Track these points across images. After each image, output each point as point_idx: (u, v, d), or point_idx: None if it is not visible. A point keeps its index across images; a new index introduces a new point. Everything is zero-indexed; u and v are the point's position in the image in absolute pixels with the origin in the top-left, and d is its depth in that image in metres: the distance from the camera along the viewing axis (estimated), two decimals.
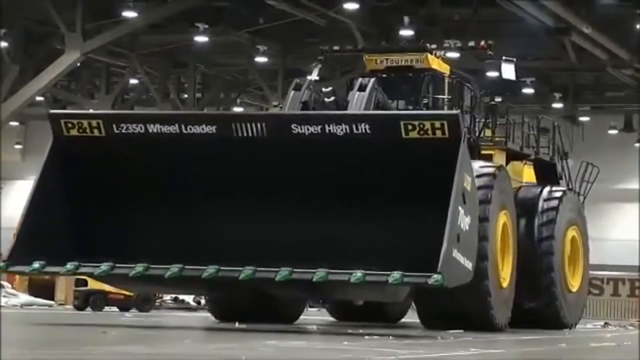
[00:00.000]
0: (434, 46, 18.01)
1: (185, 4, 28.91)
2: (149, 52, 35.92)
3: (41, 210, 13.10)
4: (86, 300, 26.87)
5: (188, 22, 31.49)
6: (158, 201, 13.61)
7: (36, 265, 12.64)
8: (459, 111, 13.04)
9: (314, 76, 16.77)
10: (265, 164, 13.12)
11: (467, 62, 19.08)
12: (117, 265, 12.66)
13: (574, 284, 18.46)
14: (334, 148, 12.69)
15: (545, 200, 17.77)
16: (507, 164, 17.73)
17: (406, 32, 28.92)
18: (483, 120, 17.76)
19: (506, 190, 16.07)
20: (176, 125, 12.72)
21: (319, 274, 11.94)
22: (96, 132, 12.88)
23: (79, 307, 26.76)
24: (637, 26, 30.19)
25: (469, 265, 12.42)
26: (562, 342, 14.54)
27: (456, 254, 11.90)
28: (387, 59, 17.33)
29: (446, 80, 17.24)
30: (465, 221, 12.18)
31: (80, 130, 12.94)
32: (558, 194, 18.12)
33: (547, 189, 18.23)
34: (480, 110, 17.92)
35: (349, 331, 14.33)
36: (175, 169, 13.49)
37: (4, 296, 27.66)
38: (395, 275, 11.62)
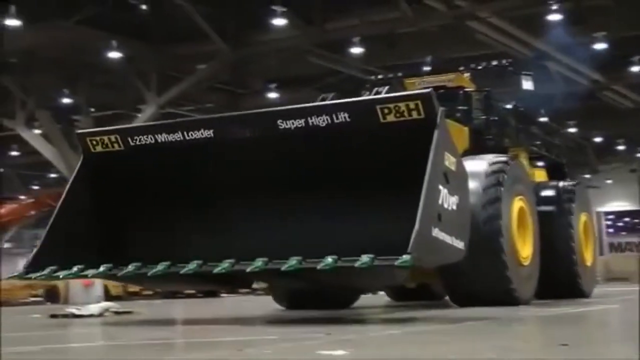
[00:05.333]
0: (462, 68, 17.39)
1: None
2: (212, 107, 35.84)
3: (66, 221, 11.45)
4: None
5: None
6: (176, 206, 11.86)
7: (46, 271, 10.92)
8: (431, 89, 10.60)
9: None
10: (256, 163, 11.15)
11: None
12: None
13: (588, 258, 16.88)
14: (319, 140, 10.45)
15: (563, 192, 16.48)
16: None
17: None
18: (509, 125, 16.90)
19: (520, 177, 14.38)
20: (179, 132, 11.10)
21: (290, 262, 9.75)
22: (116, 147, 11.54)
23: None
24: None
25: (459, 244, 10.15)
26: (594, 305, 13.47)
27: (438, 232, 9.64)
28: (423, 81, 16.31)
29: (474, 95, 16.17)
30: (450, 200, 9.97)
31: (103, 146, 11.65)
32: (573, 187, 16.84)
33: (563, 183, 16.89)
34: (506, 118, 17.03)
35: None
36: (183, 174, 11.65)
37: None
38: (364, 259, 9.38)
